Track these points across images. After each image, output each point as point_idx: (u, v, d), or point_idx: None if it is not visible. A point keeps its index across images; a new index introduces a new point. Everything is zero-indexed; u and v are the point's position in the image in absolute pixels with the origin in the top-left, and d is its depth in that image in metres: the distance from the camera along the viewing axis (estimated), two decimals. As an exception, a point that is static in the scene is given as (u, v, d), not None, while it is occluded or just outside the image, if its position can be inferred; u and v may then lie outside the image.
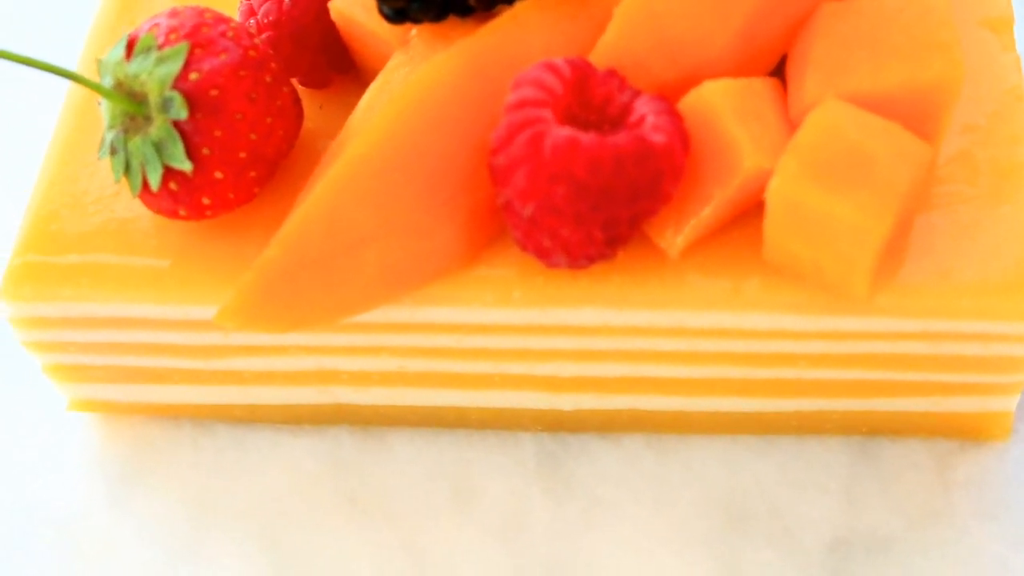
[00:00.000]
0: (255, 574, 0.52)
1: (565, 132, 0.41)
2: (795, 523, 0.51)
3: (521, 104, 0.42)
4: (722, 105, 0.44)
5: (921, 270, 0.45)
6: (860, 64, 0.45)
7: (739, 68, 0.46)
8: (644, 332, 0.47)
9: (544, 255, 0.44)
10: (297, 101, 0.48)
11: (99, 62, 0.46)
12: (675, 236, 0.45)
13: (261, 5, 0.50)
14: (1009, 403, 0.50)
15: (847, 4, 0.46)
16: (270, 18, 0.49)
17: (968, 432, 0.52)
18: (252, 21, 0.50)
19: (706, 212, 0.44)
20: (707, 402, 0.51)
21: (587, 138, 0.41)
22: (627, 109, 0.43)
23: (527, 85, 0.42)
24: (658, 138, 0.42)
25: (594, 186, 0.41)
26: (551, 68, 0.42)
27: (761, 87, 0.45)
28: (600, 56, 0.45)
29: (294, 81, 0.50)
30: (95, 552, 0.53)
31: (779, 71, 0.47)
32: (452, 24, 0.46)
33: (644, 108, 0.43)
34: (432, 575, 0.51)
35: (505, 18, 0.45)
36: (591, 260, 0.44)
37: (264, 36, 0.49)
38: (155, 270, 0.48)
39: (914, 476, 0.52)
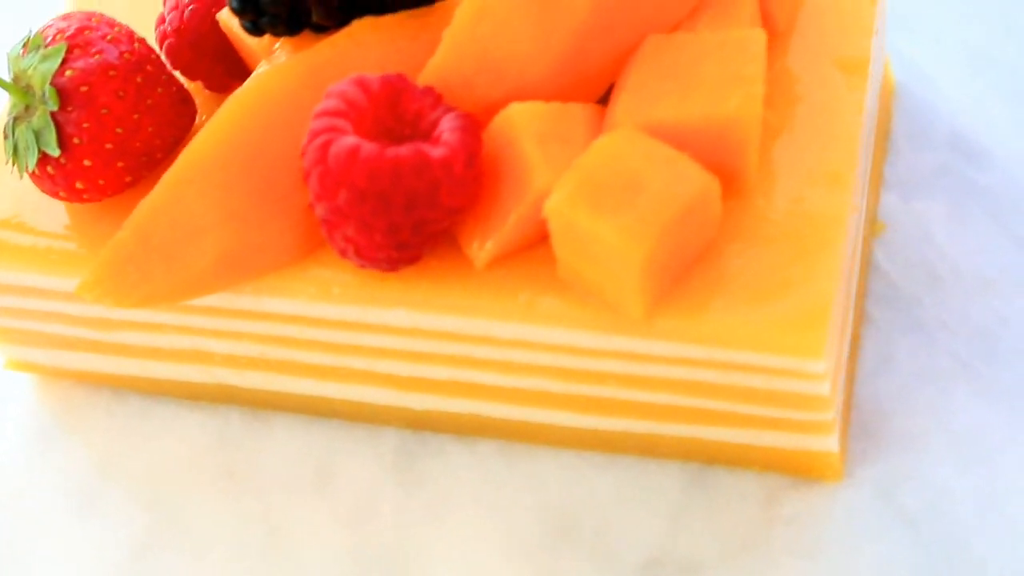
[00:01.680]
0: (131, 531, 0.57)
1: (349, 141, 0.44)
2: (618, 540, 0.53)
3: (321, 114, 0.45)
4: (522, 126, 0.46)
5: (706, 298, 0.46)
6: (667, 95, 0.47)
7: (562, 92, 0.48)
8: (453, 337, 0.50)
9: (342, 254, 0.47)
10: (179, 101, 0.52)
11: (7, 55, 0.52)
12: (480, 247, 0.48)
13: (168, 14, 0.55)
14: (828, 443, 0.50)
15: (670, 38, 0.48)
16: (172, 27, 0.54)
17: (799, 470, 0.52)
18: (160, 29, 0.55)
19: (507, 227, 0.47)
20: (545, 414, 0.53)
21: (368, 148, 0.44)
22: (435, 124, 0.46)
23: (332, 97, 0.46)
24: (437, 151, 0.45)
25: (371, 192, 0.44)
26: (359, 83, 0.46)
27: (578, 112, 0.48)
28: (430, 75, 0.48)
29: (198, 85, 0.55)
30: (5, 496, 0.59)
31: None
32: (310, 39, 0.51)
33: (446, 124, 0.46)
34: (280, 546, 0.55)
35: (344, 34, 0.49)
36: (388, 263, 0.47)
37: (167, 43, 0.54)
38: (53, 245, 0.54)
39: (741, 507, 0.53)
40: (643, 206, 0.44)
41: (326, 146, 0.45)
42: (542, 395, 0.52)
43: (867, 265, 0.57)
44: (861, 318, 0.56)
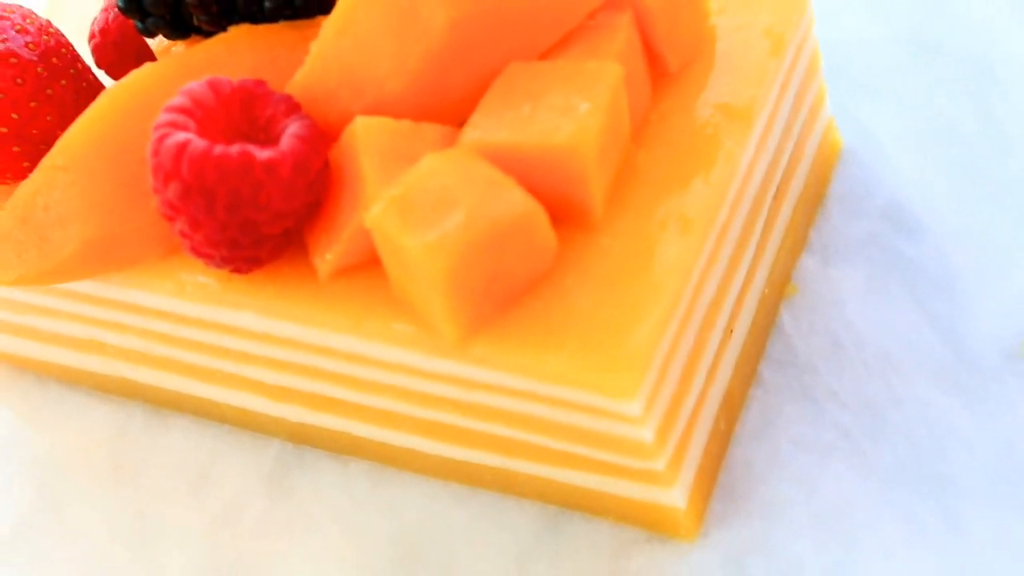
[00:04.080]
0: (18, 508, 0.58)
1: (181, 137, 0.45)
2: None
3: (167, 110, 0.46)
4: (364, 140, 0.46)
5: (530, 328, 0.45)
6: (511, 120, 0.46)
7: (422, 112, 0.48)
8: (299, 346, 0.50)
9: (185, 249, 0.48)
10: (85, 96, 0.54)
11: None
12: (322, 258, 0.48)
13: (97, 16, 0.57)
14: (672, 496, 0.48)
15: (528, 65, 0.47)
16: (98, 27, 0.56)
17: (651, 524, 0.50)
18: (90, 30, 0.57)
19: (343, 238, 0.47)
20: (402, 438, 0.53)
21: (197, 144, 0.45)
22: (283, 130, 0.47)
23: (182, 95, 0.47)
24: (264, 154, 0.45)
25: (196, 188, 0.45)
26: (212, 84, 0.47)
27: (430, 132, 0.47)
28: (296, 85, 0.49)
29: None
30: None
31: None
32: (199, 41, 0.52)
33: (289, 131, 0.46)
34: (147, 541, 0.56)
35: (221, 38, 0.50)
36: (228, 263, 0.47)
37: (93, 42, 0.57)
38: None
39: (588, 557, 0.51)
40: (450, 223, 0.43)
41: (161, 139, 0.46)
42: (393, 416, 0.52)
43: (768, 327, 0.55)
44: (749, 379, 0.54)
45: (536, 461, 0.50)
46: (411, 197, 0.44)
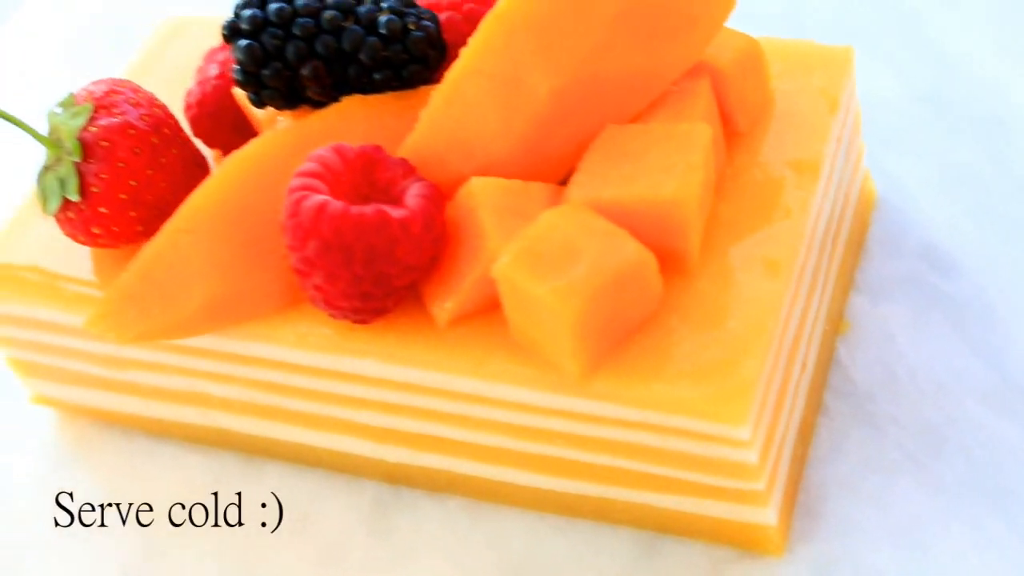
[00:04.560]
0: (124, 558, 0.61)
1: (319, 199, 0.49)
2: (569, 599, 0.56)
3: (300, 174, 0.51)
4: (481, 198, 0.51)
5: (644, 365, 0.50)
6: (616, 178, 0.51)
7: (525, 172, 0.53)
8: (418, 390, 0.54)
9: (313, 302, 0.52)
10: (192, 163, 0.58)
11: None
12: (441, 307, 0.52)
13: (193, 87, 0.61)
14: (766, 515, 0.53)
15: (624, 128, 0.52)
16: (194, 99, 0.60)
17: (742, 542, 0.55)
18: (186, 101, 0.61)
19: (464, 288, 0.51)
20: (507, 472, 0.57)
21: (335, 205, 0.49)
22: (404, 191, 0.51)
23: (311, 160, 0.51)
24: (398, 212, 0.49)
25: (336, 245, 0.49)
26: (337, 150, 0.51)
27: (537, 191, 0.52)
28: (407, 149, 0.53)
29: (217, 152, 0.61)
30: (16, 516, 0.64)
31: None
32: (308, 112, 0.56)
33: (412, 192, 0.51)
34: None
35: (334, 108, 0.55)
36: (355, 313, 0.51)
37: (190, 113, 0.61)
38: (72, 285, 0.59)
39: (686, 575, 0.55)
40: (577, 271, 0.48)
41: (299, 202, 0.50)
42: (502, 452, 0.56)
43: (828, 360, 0.60)
44: (817, 408, 0.59)
45: (636, 488, 0.54)
46: (537, 249, 0.49)
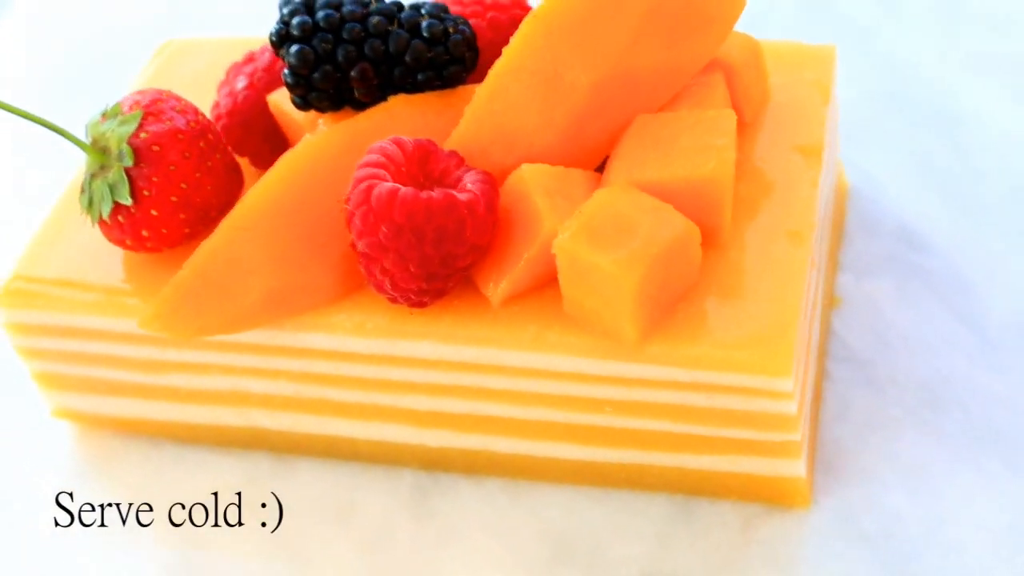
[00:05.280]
0: (163, 559, 0.62)
1: (389, 186, 0.53)
2: (612, 559, 0.60)
3: (364, 164, 0.54)
4: (532, 182, 0.55)
5: (691, 328, 0.54)
6: (653, 161, 0.55)
7: (565, 160, 0.57)
8: (472, 368, 0.57)
9: (379, 287, 0.55)
10: (231, 168, 0.61)
11: (85, 124, 0.61)
12: (495, 287, 0.56)
13: (222, 100, 0.64)
14: (796, 467, 0.58)
15: (655, 116, 0.57)
16: (225, 109, 0.63)
17: (771, 497, 0.59)
18: (214, 112, 0.64)
19: (519, 268, 0.55)
20: (547, 447, 0.60)
21: (406, 191, 0.53)
22: (459, 179, 0.55)
23: (373, 152, 0.54)
24: (463, 196, 0.53)
25: (408, 228, 0.52)
26: (396, 142, 0.55)
27: (578, 176, 0.56)
28: (453, 143, 0.57)
29: (246, 160, 0.64)
30: (43, 533, 0.64)
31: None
32: (349, 114, 0.59)
33: (469, 179, 0.55)
34: (302, 569, 0.61)
35: (381, 107, 0.58)
36: (417, 294, 0.55)
37: (221, 123, 0.63)
38: (108, 292, 0.61)
39: (720, 532, 0.60)
40: (634, 243, 0.52)
41: (369, 189, 0.53)
42: (546, 426, 0.59)
43: (826, 332, 0.66)
44: (822, 375, 0.64)
45: (675, 451, 0.59)
46: (595, 224, 0.53)
